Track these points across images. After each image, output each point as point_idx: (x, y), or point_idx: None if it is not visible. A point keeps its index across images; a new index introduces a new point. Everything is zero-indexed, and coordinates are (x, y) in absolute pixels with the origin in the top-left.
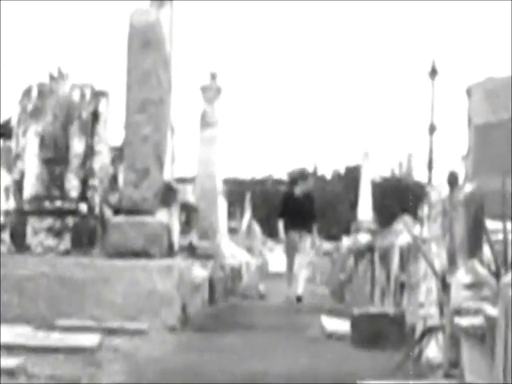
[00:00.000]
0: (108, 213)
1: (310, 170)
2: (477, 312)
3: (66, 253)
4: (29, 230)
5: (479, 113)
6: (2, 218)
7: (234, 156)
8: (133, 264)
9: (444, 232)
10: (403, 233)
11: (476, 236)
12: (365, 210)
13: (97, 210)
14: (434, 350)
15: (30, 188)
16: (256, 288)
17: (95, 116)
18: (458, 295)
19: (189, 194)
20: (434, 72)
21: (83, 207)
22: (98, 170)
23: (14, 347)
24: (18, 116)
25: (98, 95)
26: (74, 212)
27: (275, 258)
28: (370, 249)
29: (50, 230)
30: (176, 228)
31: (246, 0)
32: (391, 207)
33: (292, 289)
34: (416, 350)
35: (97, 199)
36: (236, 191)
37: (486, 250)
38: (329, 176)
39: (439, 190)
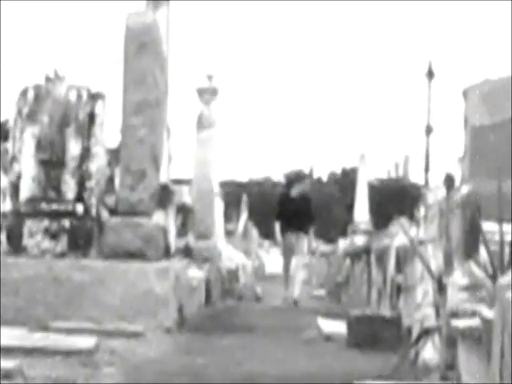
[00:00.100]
0: (104, 214)
1: (307, 172)
2: (473, 314)
3: (63, 255)
4: (25, 232)
5: (475, 115)
6: None
7: (230, 158)
8: (129, 266)
9: (440, 234)
10: (399, 235)
11: (472, 238)
12: (361, 212)
13: (93, 212)
14: (430, 352)
15: (26, 190)
16: (253, 290)
17: (92, 118)
18: (455, 297)
19: (185, 196)
20: (430, 74)
21: (80, 209)
22: (95, 171)
23: (11, 349)
24: (15, 118)
25: (94, 97)
26: (71, 214)
27: (272, 259)
28: (366, 251)
29: (47, 232)
30: (172, 230)
31: (243, 1)
32: (388, 209)
33: (289, 291)
34: (412, 351)
35: (93, 201)
36: (233, 193)
37: (483, 252)
38: (325, 178)
39: (436, 192)
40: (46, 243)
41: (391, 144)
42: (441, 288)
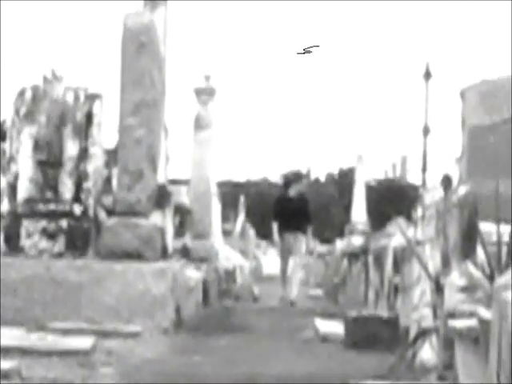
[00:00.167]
0: (102, 215)
1: (304, 172)
2: (471, 314)
3: (60, 255)
4: (23, 232)
5: (473, 115)
6: None
7: (228, 158)
8: (127, 266)
9: (438, 234)
10: (397, 235)
11: (470, 238)
12: (359, 213)
13: (91, 213)
14: (427, 353)
15: (23, 190)
16: (250, 290)
17: (89, 118)
18: (452, 297)
19: (183, 196)
20: (428, 74)
21: (77, 209)
22: (92, 172)
23: (9, 349)
24: (12, 118)
25: (91, 97)
26: (68, 214)
27: (269, 260)
28: (363, 251)
29: (44, 233)
30: (170, 230)
31: (241, 2)
32: (385, 210)
33: (286, 291)
34: (410, 352)
35: (91, 201)
36: (230, 193)
37: (480, 253)
38: (323, 178)
39: (433, 193)
40: (44, 243)
41: (389, 144)
42: (438, 288)
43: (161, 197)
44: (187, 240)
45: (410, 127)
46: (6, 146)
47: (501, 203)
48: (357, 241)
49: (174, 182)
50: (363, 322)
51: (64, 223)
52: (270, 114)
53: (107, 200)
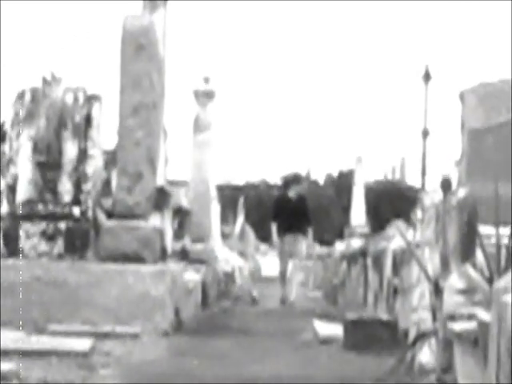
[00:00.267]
0: (101, 217)
1: (303, 174)
2: (470, 317)
3: (59, 257)
4: (22, 234)
5: (472, 117)
6: None
7: (227, 160)
8: (126, 268)
9: (437, 237)
10: (396, 237)
11: (469, 241)
12: (358, 215)
13: (90, 214)
14: (426, 355)
15: (22, 192)
16: (249, 292)
17: (88, 120)
18: (451, 300)
19: (182, 198)
20: (427, 77)
21: (76, 211)
22: (91, 174)
23: (7, 351)
24: (11, 120)
25: (91, 99)
26: (67, 216)
27: (268, 262)
28: (362, 253)
29: (43, 234)
30: (169, 232)
31: (240, 4)
32: (384, 212)
33: (286, 291)
34: (409, 354)
35: (90, 203)
36: (229, 195)
37: (479, 255)
38: (322, 181)
39: (432, 195)
40: (43, 245)
41: (388, 146)
42: (437, 291)
43: (160, 199)
44: (186, 242)
45: (409, 129)
46: (6, 147)
47: (500, 206)
48: (356, 243)
49: (173, 183)
50: (362, 325)
51: (63, 225)
52: (269, 116)
53: (106, 202)
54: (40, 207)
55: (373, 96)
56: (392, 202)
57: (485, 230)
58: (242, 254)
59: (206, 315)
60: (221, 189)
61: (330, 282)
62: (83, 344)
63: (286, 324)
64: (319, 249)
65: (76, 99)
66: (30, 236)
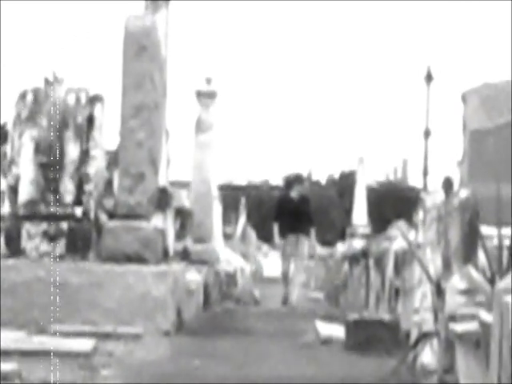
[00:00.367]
0: (103, 217)
1: (305, 175)
2: (471, 318)
3: (61, 257)
4: (24, 235)
5: (474, 118)
6: None
7: (228, 161)
8: (127, 269)
9: (439, 237)
10: (398, 238)
11: (471, 242)
12: (359, 216)
13: (92, 215)
14: (428, 356)
15: (24, 193)
16: (251, 293)
17: (90, 121)
18: (453, 301)
19: (184, 199)
20: (429, 77)
21: (78, 212)
22: (93, 174)
23: (9, 352)
24: (13, 121)
25: (93, 100)
26: (69, 217)
27: (270, 263)
28: (364, 254)
29: (45, 235)
30: (171, 233)
31: (242, 5)
32: (386, 213)
33: (288, 290)
34: (410, 355)
35: (92, 204)
36: (231, 196)
37: (481, 256)
38: (324, 181)
39: (434, 196)
40: (45, 246)
41: (390, 147)
42: (439, 292)
43: (162, 199)
44: (188, 243)
45: (411, 130)
46: (8, 148)
47: (502, 206)
48: (358, 244)
49: (175, 184)
50: (364, 325)
51: (65, 226)
52: (271, 117)
53: (108, 202)
54: (42, 208)
55: (375, 97)
56: (394, 203)
57: (486, 230)
58: (244, 255)
59: (208, 316)
60: (222, 189)
61: (331, 282)
62: (85, 344)
63: (287, 324)
64: (321, 249)
65: (78, 100)
66: (31, 236)
